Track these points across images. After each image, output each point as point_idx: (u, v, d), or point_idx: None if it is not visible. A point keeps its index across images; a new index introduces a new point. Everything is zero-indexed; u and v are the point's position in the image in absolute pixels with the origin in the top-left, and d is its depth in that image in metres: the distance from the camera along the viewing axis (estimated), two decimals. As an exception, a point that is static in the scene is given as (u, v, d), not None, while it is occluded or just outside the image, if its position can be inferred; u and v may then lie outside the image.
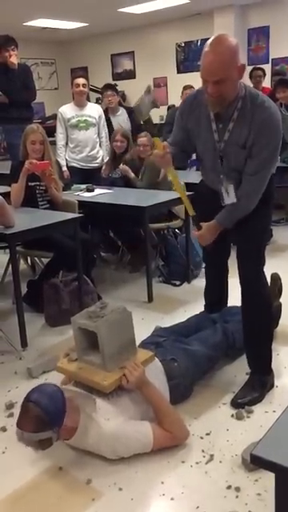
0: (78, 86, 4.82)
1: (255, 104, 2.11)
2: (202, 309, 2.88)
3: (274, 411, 2.24)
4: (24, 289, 3.53)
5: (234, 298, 2.83)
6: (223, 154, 2.23)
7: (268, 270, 3.01)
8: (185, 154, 2.47)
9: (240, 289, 2.39)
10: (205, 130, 2.26)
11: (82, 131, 4.88)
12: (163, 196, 3.90)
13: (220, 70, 2.01)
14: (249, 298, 2.38)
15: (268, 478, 1.74)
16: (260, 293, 2.37)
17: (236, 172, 2.24)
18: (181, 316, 3.08)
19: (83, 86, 4.83)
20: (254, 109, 2.10)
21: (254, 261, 2.34)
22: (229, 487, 1.83)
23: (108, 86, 5.61)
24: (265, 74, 6.28)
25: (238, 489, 1.82)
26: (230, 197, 2.26)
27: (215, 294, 2.81)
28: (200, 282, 3.39)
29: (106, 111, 5.33)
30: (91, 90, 8.03)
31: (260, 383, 2.39)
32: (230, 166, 2.25)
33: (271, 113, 2.10)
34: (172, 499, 1.80)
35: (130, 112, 5.59)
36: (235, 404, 2.32)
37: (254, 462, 1.01)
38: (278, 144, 2.15)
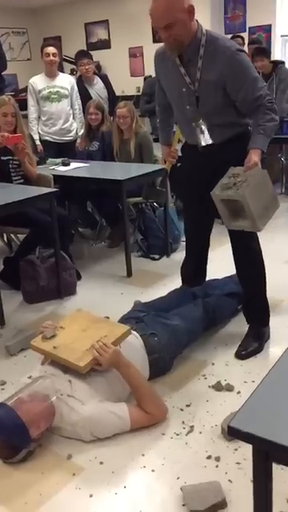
0: (48, 55, 4.64)
1: (218, 41, 2.17)
2: (181, 283, 2.87)
3: (253, 381, 2.26)
4: (0, 266, 3.47)
5: (214, 270, 2.84)
6: (199, 93, 2.25)
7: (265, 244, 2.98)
8: (171, 117, 2.58)
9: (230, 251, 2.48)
10: (175, 78, 2.29)
11: (54, 103, 4.73)
12: (141, 169, 3.83)
13: (165, 15, 2.08)
14: (239, 252, 2.45)
15: (247, 447, 1.75)
16: (251, 247, 2.42)
17: (215, 117, 2.26)
18: (160, 290, 3.06)
19: (53, 55, 4.66)
20: (217, 45, 2.16)
21: None
22: (209, 457, 1.85)
23: (82, 53, 5.36)
24: (244, 43, 6.17)
25: (217, 458, 1.84)
26: (205, 137, 2.30)
27: (194, 268, 2.78)
28: (179, 256, 3.37)
29: (80, 81, 5.17)
30: (65, 60, 7.81)
31: (258, 334, 2.53)
32: (208, 112, 2.26)
33: (234, 50, 2.17)
34: (153, 471, 1.81)
35: (105, 79, 5.42)
36: (239, 356, 2.45)
37: (232, 433, 1.00)
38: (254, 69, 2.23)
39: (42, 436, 1.90)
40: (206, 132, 2.29)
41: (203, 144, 2.32)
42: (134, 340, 2.24)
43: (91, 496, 1.72)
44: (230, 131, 2.32)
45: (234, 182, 2.19)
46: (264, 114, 2.23)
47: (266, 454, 1.00)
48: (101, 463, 1.86)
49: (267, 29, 7.05)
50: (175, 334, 2.37)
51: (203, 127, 2.29)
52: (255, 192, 2.16)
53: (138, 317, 2.47)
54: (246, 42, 6.42)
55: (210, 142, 2.30)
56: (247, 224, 2.22)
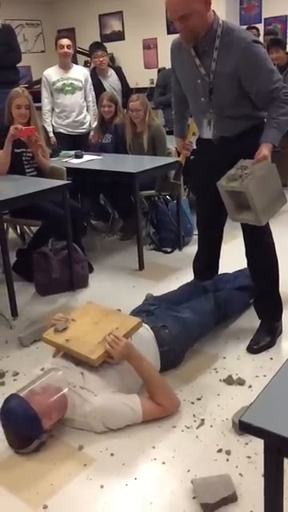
0: (62, 47, 4.64)
1: (234, 32, 2.17)
2: (193, 276, 2.86)
3: (265, 376, 2.25)
4: (13, 258, 3.49)
5: (225, 264, 2.82)
6: (213, 85, 2.24)
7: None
8: (187, 109, 2.59)
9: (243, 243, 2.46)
10: (190, 69, 2.29)
11: (67, 95, 4.73)
12: (154, 162, 3.82)
13: (181, 6, 2.06)
14: (252, 245, 2.44)
15: (258, 441, 1.75)
16: (264, 241, 2.42)
17: (230, 109, 2.26)
18: (172, 283, 3.06)
19: (67, 47, 4.65)
20: (233, 36, 2.15)
21: None
22: (219, 451, 1.85)
23: (97, 45, 5.34)
24: (259, 34, 6.10)
25: (228, 452, 1.84)
26: (210, 130, 2.32)
27: (206, 261, 2.77)
28: (191, 249, 3.36)
29: (94, 73, 5.15)
30: (79, 52, 7.78)
31: (270, 329, 2.52)
32: (222, 104, 2.26)
33: (250, 41, 2.15)
34: (163, 463, 1.82)
35: (119, 71, 5.40)
36: (251, 350, 2.45)
37: (243, 428, 1.00)
38: (270, 61, 2.21)
39: (53, 427, 1.92)
40: (212, 126, 2.30)
41: (204, 136, 2.36)
42: (145, 332, 2.25)
43: (102, 487, 1.73)
44: (244, 124, 2.30)
45: (240, 173, 2.18)
46: (278, 107, 2.20)
47: (278, 449, 0.99)
48: (112, 454, 1.87)
49: (283, 20, 6.96)
50: (186, 327, 2.37)
51: (211, 121, 2.30)
52: (260, 185, 2.14)
53: (148, 310, 2.47)
54: (262, 33, 6.34)
55: (210, 136, 2.33)
56: (250, 217, 2.21)
